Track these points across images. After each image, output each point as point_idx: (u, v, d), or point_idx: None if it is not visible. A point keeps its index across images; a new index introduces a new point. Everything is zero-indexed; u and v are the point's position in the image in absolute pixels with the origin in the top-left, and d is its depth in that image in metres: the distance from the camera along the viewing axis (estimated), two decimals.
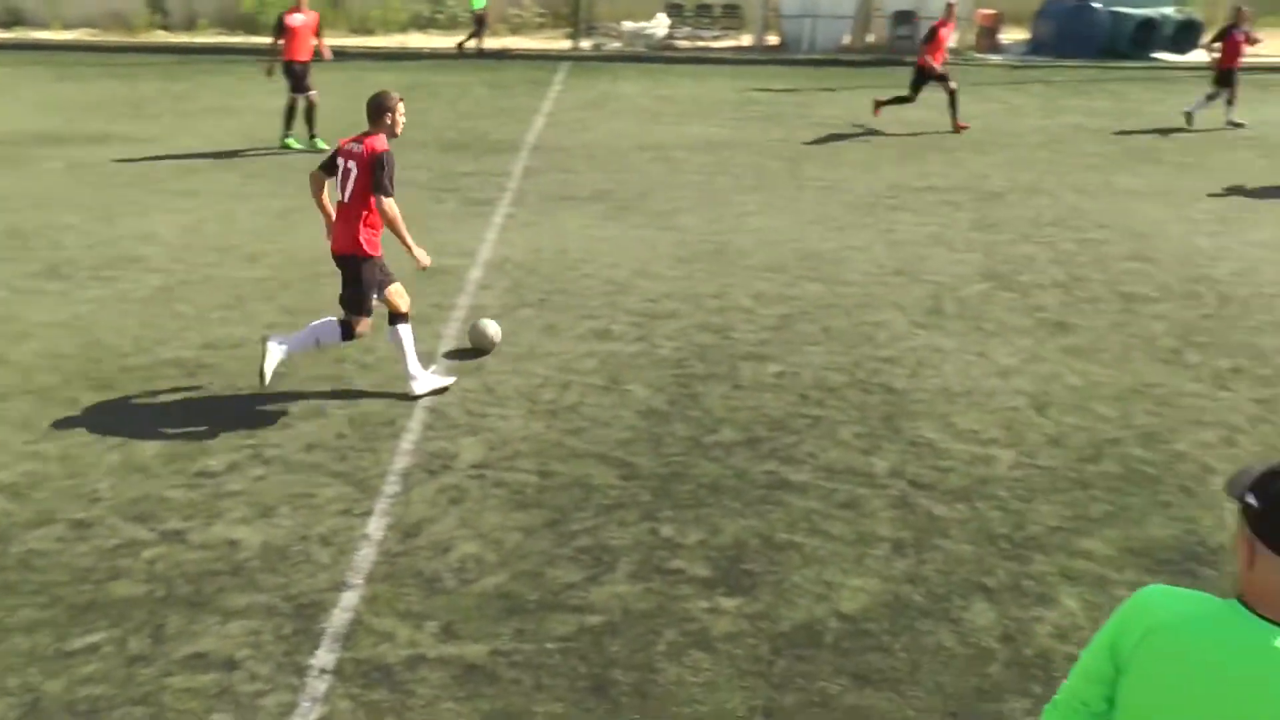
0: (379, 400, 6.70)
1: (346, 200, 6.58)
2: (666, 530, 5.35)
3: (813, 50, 23.05)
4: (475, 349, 7.52)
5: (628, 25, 24.55)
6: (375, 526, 5.33)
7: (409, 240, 6.68)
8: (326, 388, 6.85)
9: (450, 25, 26.41)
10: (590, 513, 5.49)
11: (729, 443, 6.24)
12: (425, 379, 6.83)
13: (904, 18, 23.44)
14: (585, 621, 4.65)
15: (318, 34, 13.94)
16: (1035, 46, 24.37)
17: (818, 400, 6.82)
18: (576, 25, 23.96)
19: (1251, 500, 2.02)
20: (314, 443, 6.16)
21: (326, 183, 6.72)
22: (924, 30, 23.00)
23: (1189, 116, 16.34)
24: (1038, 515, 5.61)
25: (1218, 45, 16.37)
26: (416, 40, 25.89)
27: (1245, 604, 2.01)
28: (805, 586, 4.92)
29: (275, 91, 14.89)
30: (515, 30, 26.06)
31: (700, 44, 24.13)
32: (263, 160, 13.57)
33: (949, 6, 15.88)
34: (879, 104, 16.06)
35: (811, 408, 6.72)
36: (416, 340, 6.84)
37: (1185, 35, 23.70)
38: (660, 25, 24.47)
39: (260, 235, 10.17)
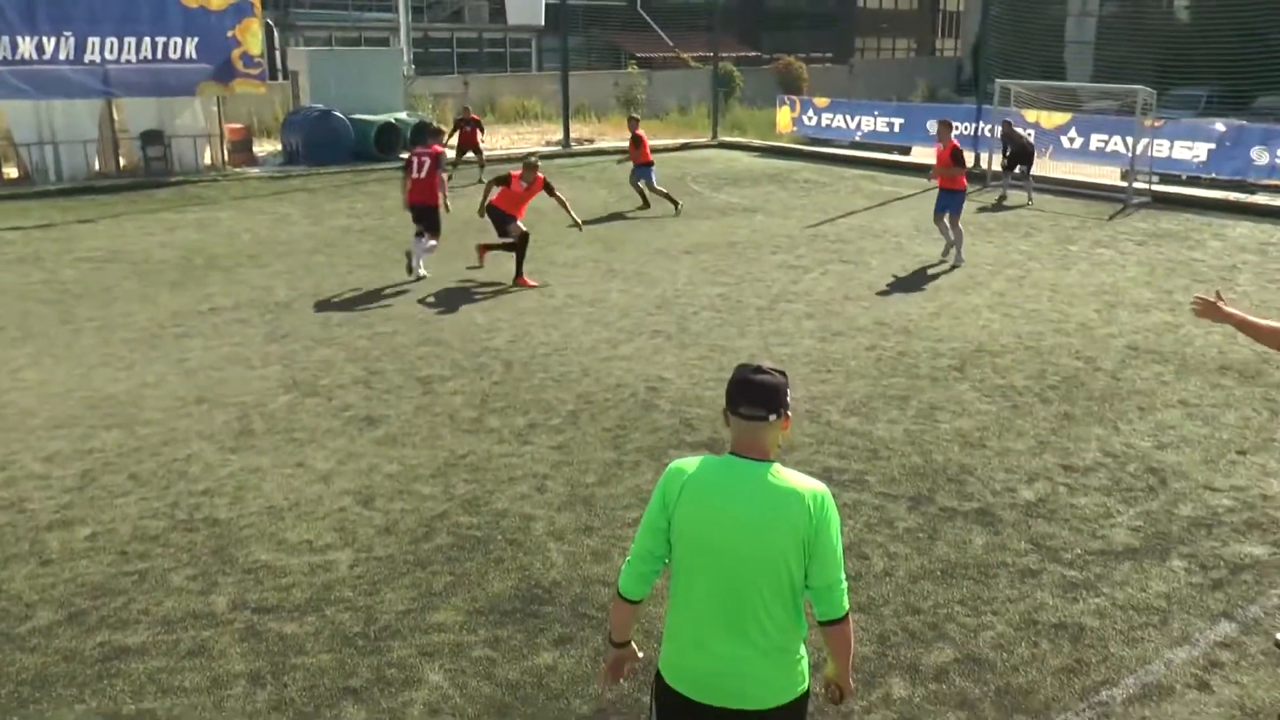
0: None
1: (422, 176, 13.39)
2: None
3: (61, 180, 21.61)
4: None
5: None
6: None
7: (446, 190, 13.84)
8: None
9: None
10: None
11: (47, 625, 5.70)
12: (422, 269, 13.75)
13: (153, 138, 22.86)
14: None
15: None
16: (289, 157, 25.08)
17: (140, 553, 6.48)
18: None
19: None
20: None
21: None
22: (177, 149, 22.81)
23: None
24: (386, 604, 5.87)
25: (454, 137, 21.74)
26: None
27: (734, 454, 3.26)
28: None
29: None
30: None
31: None
32: None
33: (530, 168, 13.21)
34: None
35: (135, 562, 6.37)
36: None
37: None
38: None
39: None
